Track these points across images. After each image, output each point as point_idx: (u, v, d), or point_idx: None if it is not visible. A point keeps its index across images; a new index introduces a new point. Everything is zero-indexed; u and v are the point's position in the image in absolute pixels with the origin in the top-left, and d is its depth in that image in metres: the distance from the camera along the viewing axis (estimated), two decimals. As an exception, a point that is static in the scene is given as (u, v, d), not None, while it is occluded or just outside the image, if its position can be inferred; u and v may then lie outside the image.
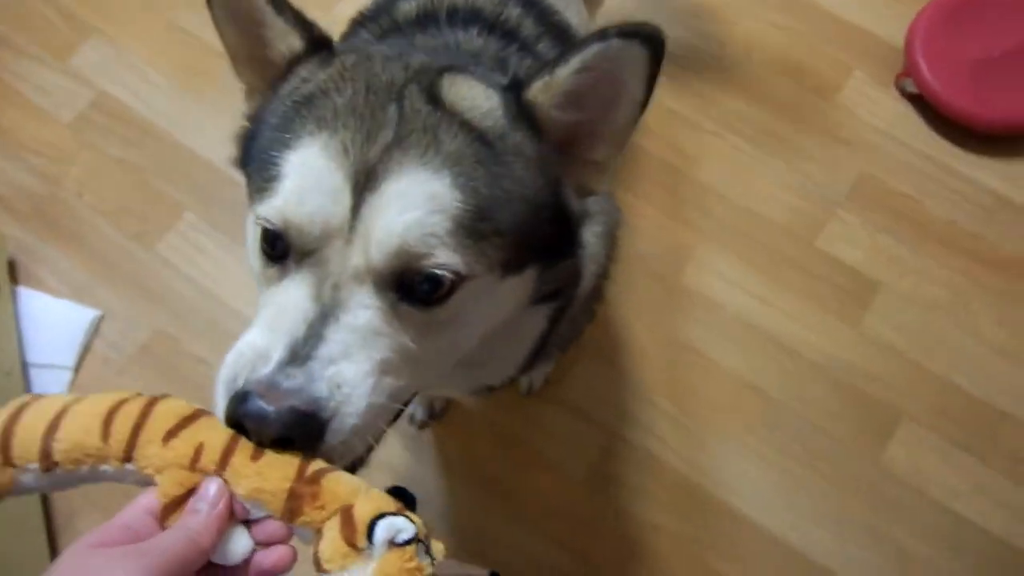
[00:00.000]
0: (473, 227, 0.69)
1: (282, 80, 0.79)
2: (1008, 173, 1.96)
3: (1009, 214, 1.92)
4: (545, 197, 0.77)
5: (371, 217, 0.67)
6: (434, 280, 0.69)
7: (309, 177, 0.68)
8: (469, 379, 0.99)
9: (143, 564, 0.56)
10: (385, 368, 0.68)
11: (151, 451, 0.63)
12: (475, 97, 0.75)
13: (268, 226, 0.70)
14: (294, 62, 0.79)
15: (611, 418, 1.73)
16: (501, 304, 0.79)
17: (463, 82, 0.76)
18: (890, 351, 1.80)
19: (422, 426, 1.71)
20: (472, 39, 1.01)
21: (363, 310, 0.68)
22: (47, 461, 0.63)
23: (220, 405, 0.66)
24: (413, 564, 0.59)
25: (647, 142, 1.96)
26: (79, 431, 0.63)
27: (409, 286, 0.69)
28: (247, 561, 0.64)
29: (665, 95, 2.02)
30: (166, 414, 0.65)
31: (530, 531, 1.64)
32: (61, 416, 0.64)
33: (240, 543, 0.63)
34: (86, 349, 1.72)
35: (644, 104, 0.75)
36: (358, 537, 0.60)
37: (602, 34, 0.70)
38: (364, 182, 0.67)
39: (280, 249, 0.70)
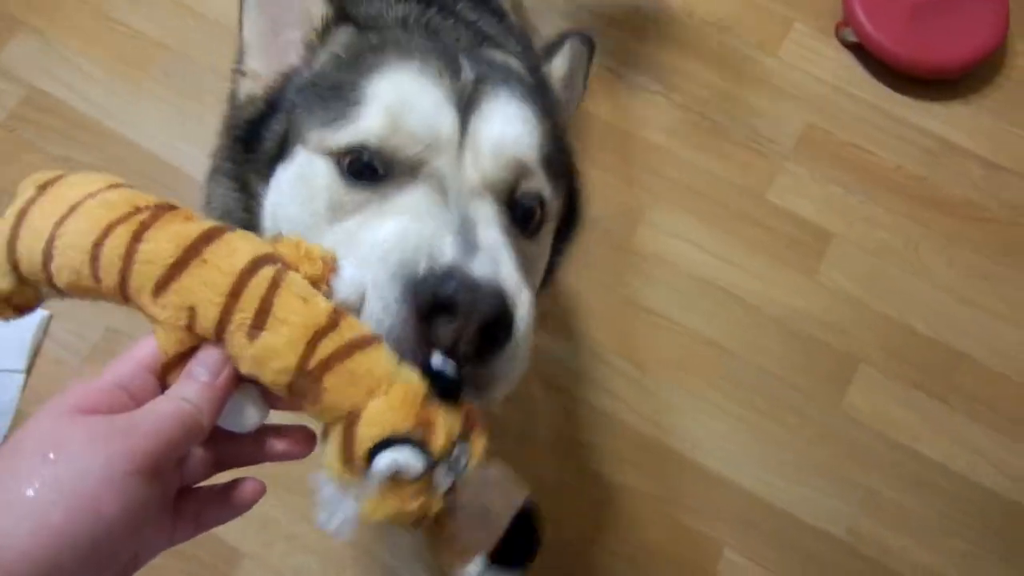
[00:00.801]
0: (551, 162, 0.72)
1: (321, 45, 0.80)
2: (949, 116, 1.98)
3: (953, 156, 1.95)
4: (572, 158, 0.84)
5: (479, 132, 0.68)
6: (532, 202, 0.70)
7: (411, 93, 0.68)
8: None
9: (128, 447, 0.49)
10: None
11: (143, 301, 0.55)
12: (510, 60, 0.82)
13: (364, 145, 0.67)
14: (326, 30, 0.80)
15: (573, 383, 1.73)
16: (543, 267, 0.80)
17: (498, 52, 0.86)
18: (845, 298, 1.82)
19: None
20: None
21: (495, 225, 0.65)
22: (55, 289, 0.57)
23: (384, 301, 0.58)
24: (416, 505, 0.52)
25: (594, 107, 1.95)
26: (70, 268, 0.55)
27: (513, 205, 0.70)
28: (261, 438, 0.58)
29: (608, 59, 2.01)
30: (151, 258, 0.54)
31: (500, 501, 1.64)
32: (54, 240, 0.55)
33: (251, 411, 0.57)
34: (37, 351, 1.69)
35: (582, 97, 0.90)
36: (355, 462, 0.52)
37: (566, 35, 0.86)
38: (463, 104, 0.68)
39: (373, 171, 0.67)
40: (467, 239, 0.60)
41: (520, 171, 0.68)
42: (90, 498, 0.46)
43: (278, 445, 0.59)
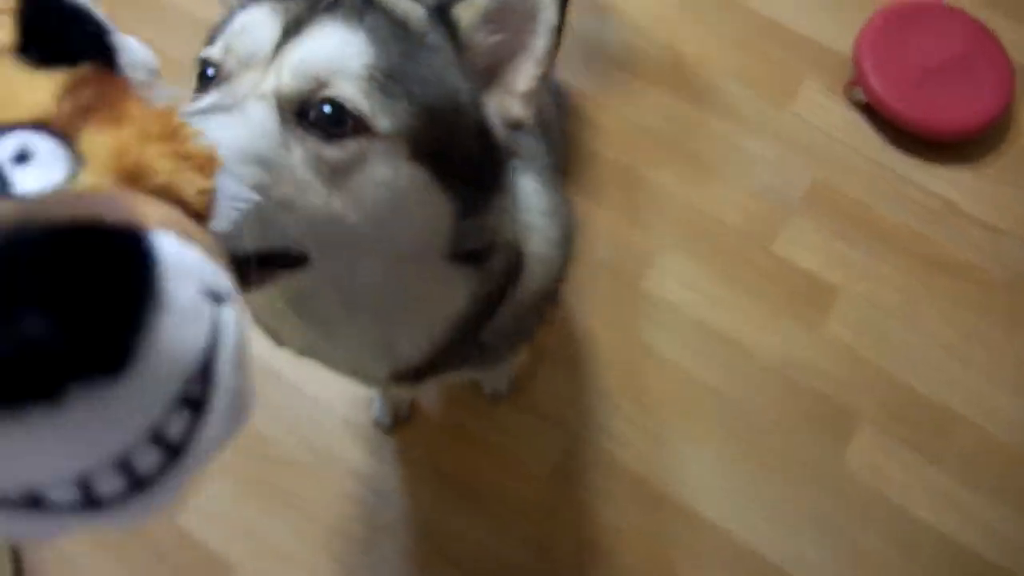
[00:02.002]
0: (383, 83, 0.71)
1: None
2: (954, 179, 2.02)
3: (957, 218, 1.97)
4: (466, 101, 0.79)
5: (288, 51, 0.72)
6: (334, 112, 0.70)
7: (251, 22, 0.74)
8: (379, 339, 0.94)
9: None
10: (260, 175, 0.66)
11: None
12: (404, 4, 0.80)
13: (206, 59, 0.75)
14: None
15: (572, 419, 1.73)
16: (410, 195, 0.76)
17: None
18: (846, 353, 1.83)
19: (387, 431, 1.70)
20: None
21: (251, 117, 0.69)
22: None
23: None
24: None
25: (605, 148, 1.99)
26: None
27: (308, 113, 0.70)
28: None
29: (621, 103, 2.05)
30: None
31: (494, 530, 1.64)
32: None
33: None
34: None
35: (559, 29, 0.78)
36: None
37: None
38: (292, 31, 0.73)
39: (207, 81, 0.75)
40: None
41: (314, 83, 0.70)
42: None
43: None
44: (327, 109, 0.70)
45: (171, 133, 0.29)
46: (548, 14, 0.77)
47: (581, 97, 2.05)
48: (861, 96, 2.04)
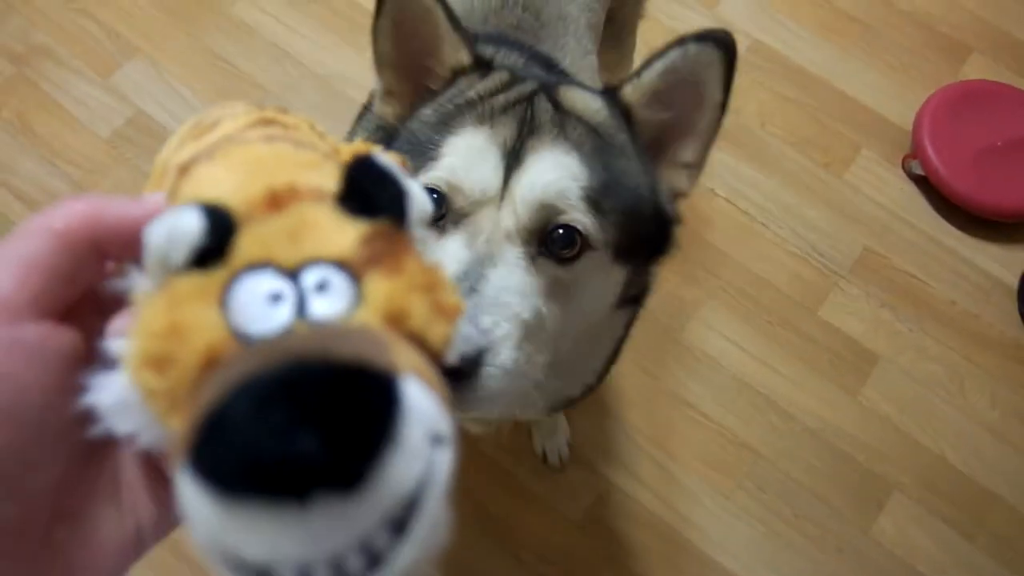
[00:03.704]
0: (597, 200, 0.79)
1: (447, 86, 0.90)
2: (1006, 258, 2.02)
3: (1005, 297, 1.98)
4: (647, 191, 0.87)
5: (517, 184, 0.78)
6: (567, 235, 0.78)
7: (473, 154, 0.80)
8: (554, 385, 0.99)
9: None
10: (525, 332, 0.74)
11: None
12: (585, 99, 0.87)
13: (430, 185, 0.79)
14: (459, 72, 0.90)
15: (606, 466, 1.75)
16: (607, 288, 0.86)
17: (574, 89, 0.88)
18: (885, 423, 1.83)
19: None
20: None
21: (514, 267, 0.76)
22: None
23: None
24: (183, 314, 0.30)
25: (660, 201, 2.02)
26: None
27: (547, 241, 0.78)
28: None
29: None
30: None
31: (524, 571, 1.66)
32: None
33: None
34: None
35: (723, 105, 0.84)
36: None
37: (680, 40, 0.82)
38: (511, 161, 0.79)
39: (436, 216, 0.79)
40: (466, 282, 0.72)
41: (549, 212, 0.77)
42: None
43: None
44: (558, 234, 0.78)
45: (433, 284, 0.34)
46: (713, 92, 0.83)
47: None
48: (919, 169, 2.06)
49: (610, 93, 0.87)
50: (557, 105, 0.85)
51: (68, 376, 0.36)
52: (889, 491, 1.76)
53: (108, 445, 0.39)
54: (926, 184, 2.07)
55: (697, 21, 2.29)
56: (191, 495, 0.26)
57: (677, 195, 0.91)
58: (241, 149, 0.36)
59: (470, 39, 0.90)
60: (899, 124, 2.17)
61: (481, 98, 0.86)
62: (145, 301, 0.32)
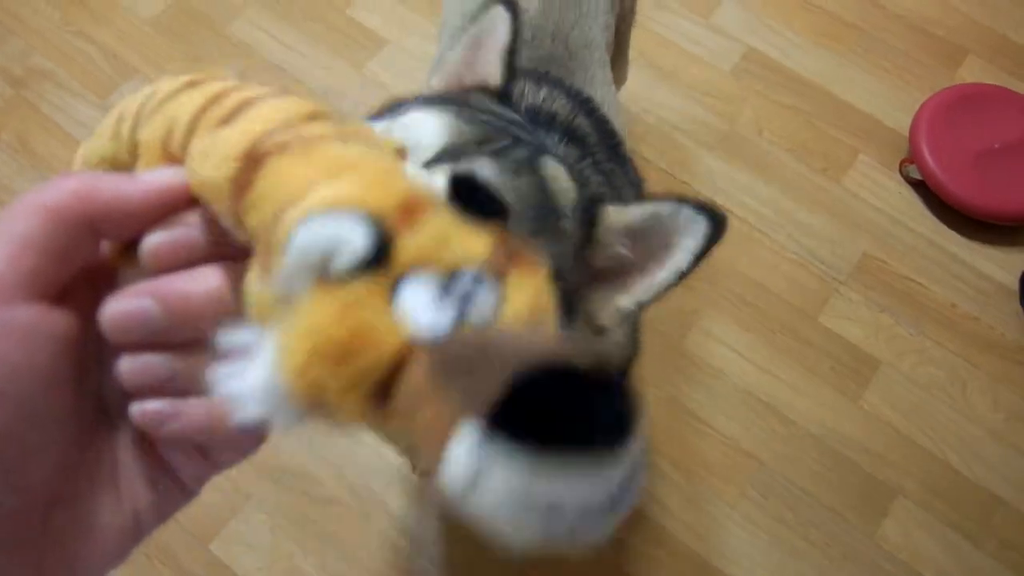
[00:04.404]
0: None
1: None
2: (1006, 261, 2.02)
3: (1007, 300, 1.97)
4: (565, 295, 0.80)
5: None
6: None
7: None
8: None
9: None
10: None
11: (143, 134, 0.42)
12: (559, 177, 0.82)
13: None
14: (483, 89, 0.90)
15: (610, 476, 1.75)
16: None
17: (557, 164, 0.83)
18: (888, 428, 1.83)
19: (423, 474, 1.73)
20: (555, 146, 1.06)
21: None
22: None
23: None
24: (362, 316, 0.32)
25: (658, 210, 2.02)
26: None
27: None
28: None
29: (676, 168, 2.09)
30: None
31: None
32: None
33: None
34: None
35: (683, 276, 0.79)
36: (273, 260, 0.33)
37: (680, 199, 0.79)
38: (449, 157, 0.75)
39: None
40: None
41: None
42: None
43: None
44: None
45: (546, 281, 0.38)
46: (682, 258, 0.79)
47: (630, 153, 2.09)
48: (916, 174, 2.06)
49: (589, 202, 0.83)
50: (532, 164, 0.81)
51: (63, 359, 0.37)
52: (893, 496, 1.76)
53: (105, 430, 0.40)
54: (924, 188, 2.07)
55: (691, 31, 2.30)
56: (493, 458, 0.30)
57: (595, 330, 0.84)
58: (325, 148, 0.37)
59: (512, 70, 0.89)
60: (896, 129, 2.17)
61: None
62: (307, 301, 0.33)
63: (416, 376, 0.32)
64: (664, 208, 0.79)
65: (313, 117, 0.39)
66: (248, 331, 0.35)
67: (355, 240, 0.32)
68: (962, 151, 2.02)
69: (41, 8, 2.19)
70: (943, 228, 2.06)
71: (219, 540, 1.64)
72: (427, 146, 0.73)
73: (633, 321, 1.13)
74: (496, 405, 0.30)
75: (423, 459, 0.39)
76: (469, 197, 0.39)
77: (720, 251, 2.03)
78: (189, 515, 1.64)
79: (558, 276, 0.79)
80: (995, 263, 2.02)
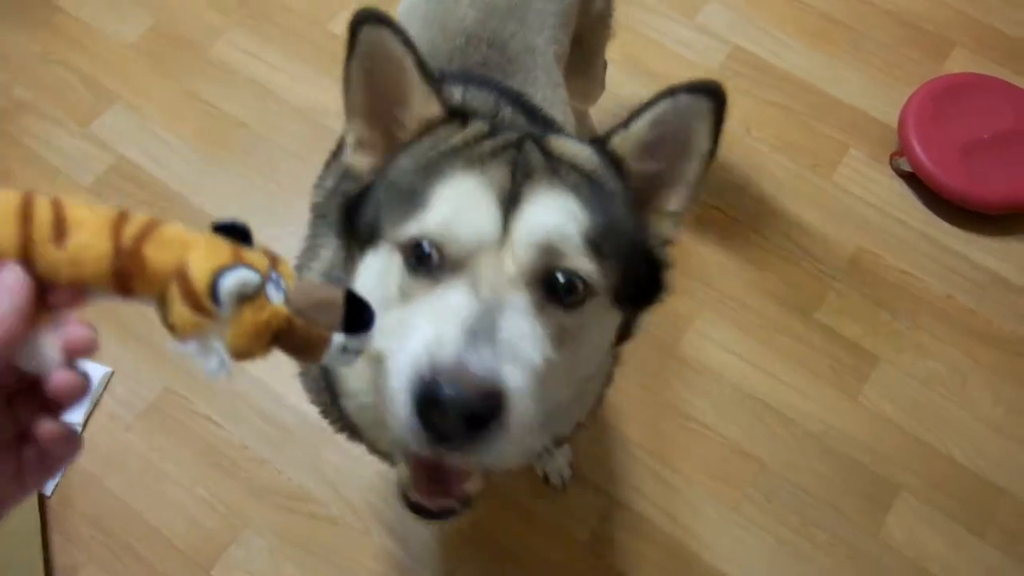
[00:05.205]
0: (597, 245, 0.78)
1: (422, 135, 0.88)
2: (1000, 251, 2.01)
3: (1002, 291, 1.97)
4: (639, 237, 0.86)
5: (518, 228, 0.76)
6: (571, 282, 0.76)
7: (466, 200, 0.78)
8: (549, 429, 0.97)
9: None
10: (537, 382, 0.72)
11: None
12: (574, 148, 0.86)
13: (423, 240, 0.77)
14: (433, 124, 0.88)
15: (609, 484, 1.74)
16: (606, 333, 0.86)
17: (563, 139, 0.87)
18: (887, 424, 1.82)
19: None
20: None
21: (524, 314, 0.74)
22: None
23: (404, 410, 0.69)
24: (266, 313, 0.58)
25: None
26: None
27: (552, 286, 0.76)
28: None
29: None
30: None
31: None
32: None
33: (50, 349, 0.55)
34: (95, 406, 1.75)
35: (711, 154, 0.83)
36: (202, 301, 0.56)
37: (671, 90, 0.81)
38: (508, 205, 0.77)
39: (429, 263, 0.77)
40: (482, 332, 0.69)
41: (553, 255, 0.75)
42: None
43: (61, 378, 0.55)
44: (563, 279, 0.76)
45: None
46: (702, 143, 0.83)
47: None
48: (906, 166, 2.05)
49: (599, 143, 0.86)
50: (547, 152, 0.83)
51: None
52: (896, 492, 1.75)
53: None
54: (915, 180, 2.06)
55: (677, 32, 2.30)
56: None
57: (665, 242, 0.89)
58: (167, 233, 0.59)
59: (440, 90, 0.88)
60: (885, 122, 2.16)
61: (467, 144, 0.84)
62: (236, 314, 0.58)
63: (298, 325, 0.60)
64: (661, 108, 0.82)
65: (123, 218, 0.58)
66: (191, 341, 0.58)
67: (253, 277, 0.58)
68: (951, 142, 2.01)
69: (22, 42, 2.20)
70: (935, 219, 2.05)
71: (220, 566, 1.63)
72: (490, 217, 0.76)
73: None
74: (344, 317, 0.61)
75: (310, 362, 0.65)
76: (230, 232, 0.60)
77: (712, 252, 2.03)
78: (188, 542, 1.64)
79: (632, 225, 0.84)
80: (989, 253, 2.01)
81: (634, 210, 0.86)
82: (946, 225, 2.04)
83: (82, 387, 0.56)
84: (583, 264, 0.76)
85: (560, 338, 0.76)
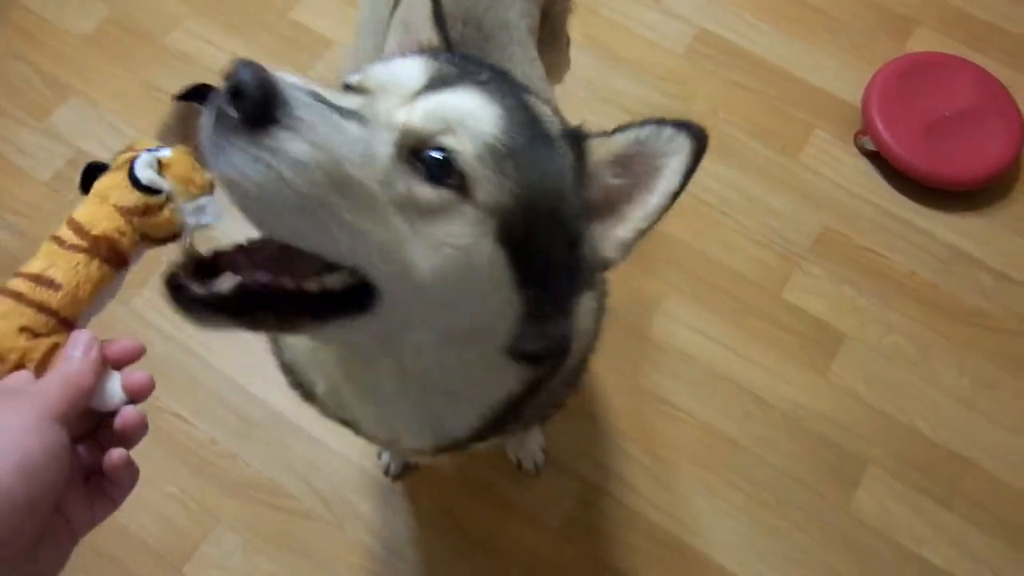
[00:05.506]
0: (500, 157, 0.73)
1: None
2: (963, 227, 2.04)
3: (965, 266, 1.99)
4: (568, 214, 0.81)
5: (429, 97, 0.74)
6: (446, 161, 0.71)
7: (401, 63, 0.80)
8: (429, 414, 0.95)
9: (33, 406, 0.59)
10: (329, 191, 0.67)
11: None
12: (541, 106, 0.84)
13: (347, 83, 0.79)
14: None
15: (584, 468, 1.75)
16: (477, 263, 0.75)
17: (536, 98, 0.85)
18: (855, 399, 1.84)
19: (396, 478, 1.72)
20: None
21: (382, 138, 0.71)
22: None
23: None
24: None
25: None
26: None
27: (421, 153, 0.72)
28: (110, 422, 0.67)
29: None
30: None
31: (506, 582, 1.66)
32: None
33: (116, 389, 0.66)
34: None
35: (675, 195, 0.80)
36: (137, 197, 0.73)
37: (659, 120, 0.80)
38: (437, 84, 0.76)
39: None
40: (318, 96, 0.68)
41: (441, 128, 0.72)
42: (15, 442, 0.57)
43: (129, 414, 0.68)
44: (438, 155, 0.71)
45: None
46: (671, 179, 0.80)
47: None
48: (870, 145, 2.06)
49: (574, 136, 0.84)
50: (512, 84, 0.83)
51: (68, 465, 0.61)
52: (864, 467, 1.78)
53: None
54: (879, 159, 2.08)
55: (643, 15, 2.29)
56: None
57: (601, 265, 0.84)
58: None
59: (446, 37, 0.94)
60: (850, 102, 2.18)
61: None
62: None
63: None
64: (645, 131, 0.81)
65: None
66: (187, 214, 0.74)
67: (142, 154, 0.76)
68: (914, 120, 2.03)
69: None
70: (899, 197, 2.07)
71: (193, 564, 1.61)
72: (415, 81, 0.76)
73: (600, 307, 1.15)
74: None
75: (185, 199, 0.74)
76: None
77: (680, 233, 2.03)
78: (160, 540, 1.62)
79: (561, 195, 0.80)
80: (951, 229, 2.03)
81: (580, 199, 0.82)
82: (909, 203, 2.07)
83: (145, 423, 0.68)
84: (465, 150, 0.71)
85: (411, 212, 0.71)
